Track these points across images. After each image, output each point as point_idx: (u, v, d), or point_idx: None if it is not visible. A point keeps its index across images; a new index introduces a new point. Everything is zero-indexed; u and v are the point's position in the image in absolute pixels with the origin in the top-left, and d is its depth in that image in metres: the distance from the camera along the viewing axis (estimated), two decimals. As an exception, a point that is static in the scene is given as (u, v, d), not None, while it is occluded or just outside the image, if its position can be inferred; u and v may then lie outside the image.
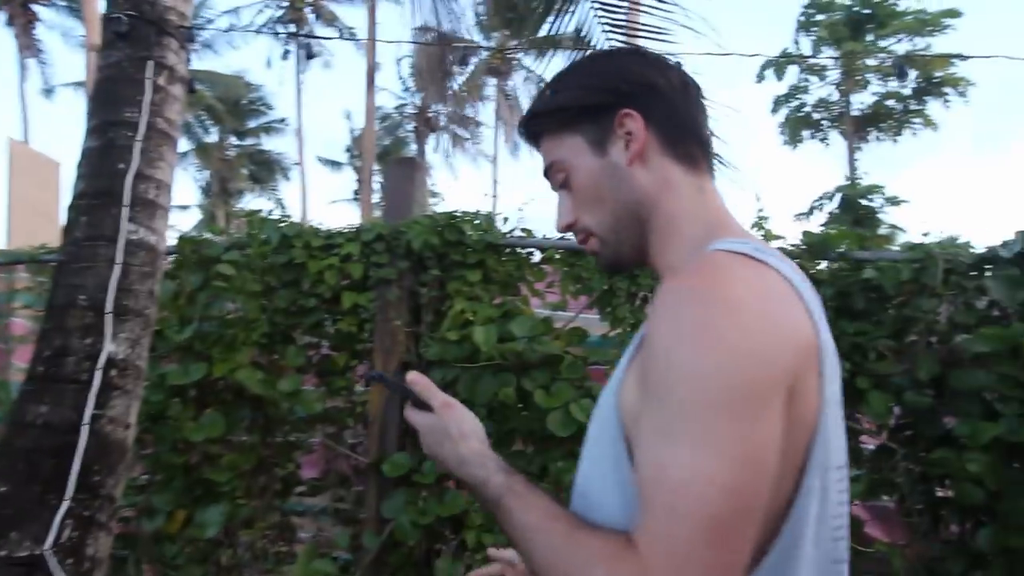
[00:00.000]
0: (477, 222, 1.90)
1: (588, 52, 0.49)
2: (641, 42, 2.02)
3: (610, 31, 2.21)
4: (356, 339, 1.96)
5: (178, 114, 1.83)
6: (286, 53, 14.37)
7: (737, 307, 0.43)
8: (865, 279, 1.71)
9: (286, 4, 14.10)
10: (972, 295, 1.68)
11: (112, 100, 1.66)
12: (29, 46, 12.18)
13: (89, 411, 1.40)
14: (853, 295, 1.71)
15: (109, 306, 1.46)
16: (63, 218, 1.72)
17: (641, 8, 2.17)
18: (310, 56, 13.13)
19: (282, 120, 16.66)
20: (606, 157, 0.55)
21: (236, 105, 15.29)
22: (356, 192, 17.43)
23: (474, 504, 1.76)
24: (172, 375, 1.94)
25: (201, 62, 13.92)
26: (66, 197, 1.74)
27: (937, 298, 1.66)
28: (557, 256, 1.90)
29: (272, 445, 1.96)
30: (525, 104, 15.81)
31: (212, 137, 15.87)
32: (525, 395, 1.79)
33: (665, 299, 0.47)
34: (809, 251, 1.75)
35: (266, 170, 17.11)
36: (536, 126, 0.61)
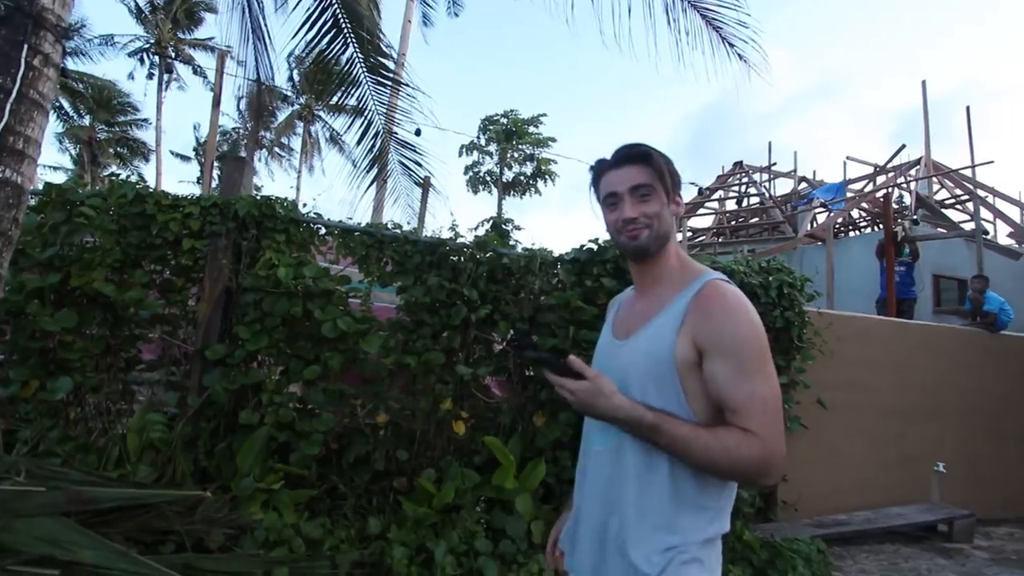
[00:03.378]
0: (285, 203, 2.97)
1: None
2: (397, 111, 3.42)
3: (378, 106, 3.52)
4: (191, 270, 2.89)
5: (50, 91, 2.41)
6: (151, 75, 19.92)
7: (750, 306, 0.91)
8: (503, 263, 3.26)
9: (152, 42, 19.40)
10: (551, 276, 3.37)
11: None
12: None
13: None
14: (496, 270, 3.25)
15: None
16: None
17: (399, 93, 3.50)
18: (168, 71, 17.63)
19: (145, 119, 21.45)
20: (667, 207, 1.02)
21: (108, 103, 19.65)
22: (199, 179, 23.07)
23: (271, 376, 2.86)
24: (30, 281, 2.62)
25: (78, 65, 17.93)
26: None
27: (535, 276, 3.29)
28: (335, 232, 3.08)
29: (119, 337, 2.79)
30: (323, 142, 27.50)
31: (85, 121, 20.03)
32: (309, 313, 2.94)
33: (724, 302, 0.91)
34: (477, 245, 3.23)
35: (130, 152, 21.92)
36: (650, 162, 1.00)
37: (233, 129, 25.07)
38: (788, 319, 3.64)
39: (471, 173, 22.38)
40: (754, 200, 11.75)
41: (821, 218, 10.12)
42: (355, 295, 3.04)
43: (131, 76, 22.27)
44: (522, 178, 21.99)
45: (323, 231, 3.08)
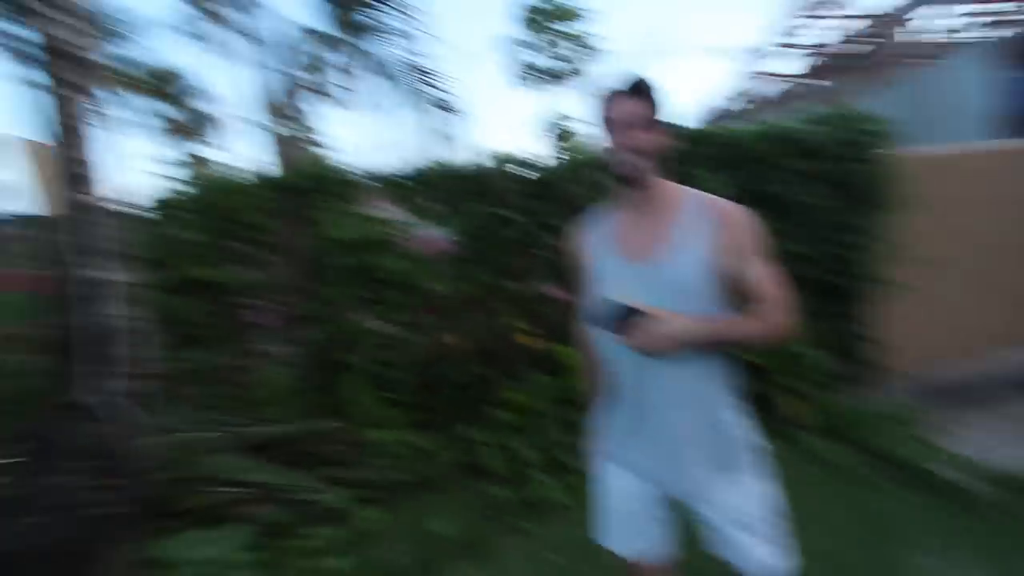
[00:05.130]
0: (335, 168, 3.18)
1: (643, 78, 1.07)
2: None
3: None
4: (262, 243, 3.27)
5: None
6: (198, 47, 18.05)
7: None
8: (542, 179, 3.26)
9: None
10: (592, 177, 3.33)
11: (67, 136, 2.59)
12: None
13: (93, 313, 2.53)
14: (537, 185, 3.26)
15: (90, 246, 2.60)
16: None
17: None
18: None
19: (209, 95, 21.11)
20: (660, 135, 1.13)
21: (164, 84, 19.97)
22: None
23: (359, 322, 3.26)
24: (152, 280, 3.17)
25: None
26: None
27: (576, 184, 3.28)
28: (385, 183, 3.26)
29: (228, 307, 3.32)
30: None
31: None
32: (373, 262, 3.23)
33: (744, 218, 1.11)
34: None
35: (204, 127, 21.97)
36: (648, 96, 1.12)
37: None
38: (859, 171, 3.29)
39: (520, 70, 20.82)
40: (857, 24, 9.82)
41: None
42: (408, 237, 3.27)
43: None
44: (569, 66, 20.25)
45: (373, 184, 3.28)
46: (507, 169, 3.23)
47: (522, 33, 20.07)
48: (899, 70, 6.99)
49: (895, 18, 9.67)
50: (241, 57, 8.86)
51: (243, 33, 5.70)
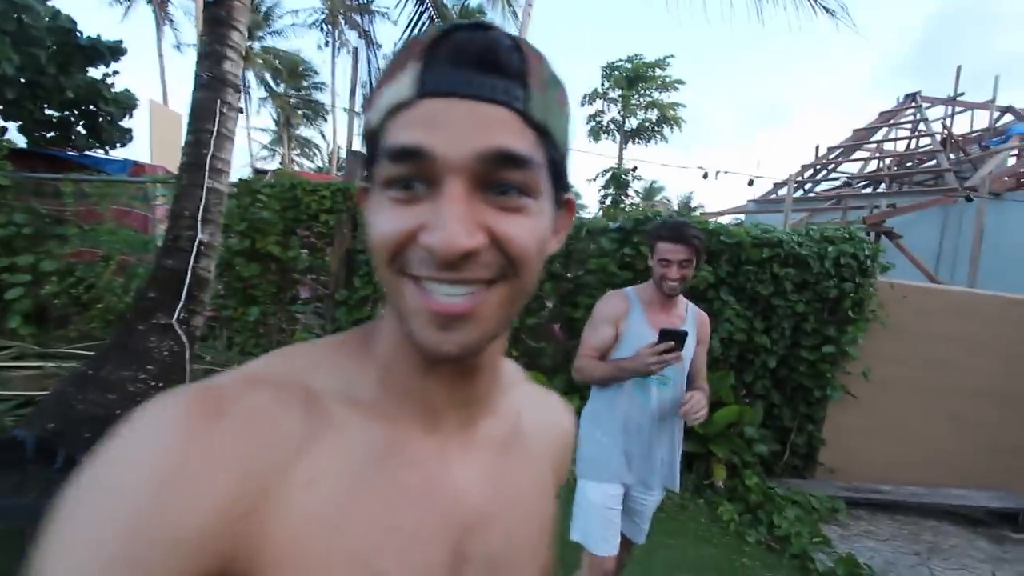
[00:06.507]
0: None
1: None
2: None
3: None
4: (327, 235, 4.02)
5: (234, 126, 3.25)
6: (327, 43, 22.74)
7: None
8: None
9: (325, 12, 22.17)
10: (597, 242, 3.83)
11: (199, 117, 3.08)
12: (163, 16, 18.05)
13: (191, 262, 3.00)
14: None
15: (199, 215, 2.97)
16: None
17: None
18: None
19: (323, 83, 25.40)
20: (695, 269, 1.74)
21: (295, 71, 23.82)
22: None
23: (376, 311, 3.93)
24: (232, 245, 3.98)
25: (276, 42, 22.30)
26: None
27: (583, 241, 3.80)
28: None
29: (286, 280, 4.09)
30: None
31: (280, 89, 24.45)
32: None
33: (706, 317, 1.85)
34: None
35: (313, 112, 26.10)
36: (693, 245, 1.69)
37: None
38: (844, 290, 3.61)
39: (593, 122, 21.64)
40: (925, 142, 9.69)
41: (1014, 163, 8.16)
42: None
43: (320, 47, 25.56)
44: (647, 124, 20.77)
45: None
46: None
47: (602, 87, 20.90)
48: (960, 197, 6.99)
49: (973, 141, 9.53)
50: (358, 57, 9.97)
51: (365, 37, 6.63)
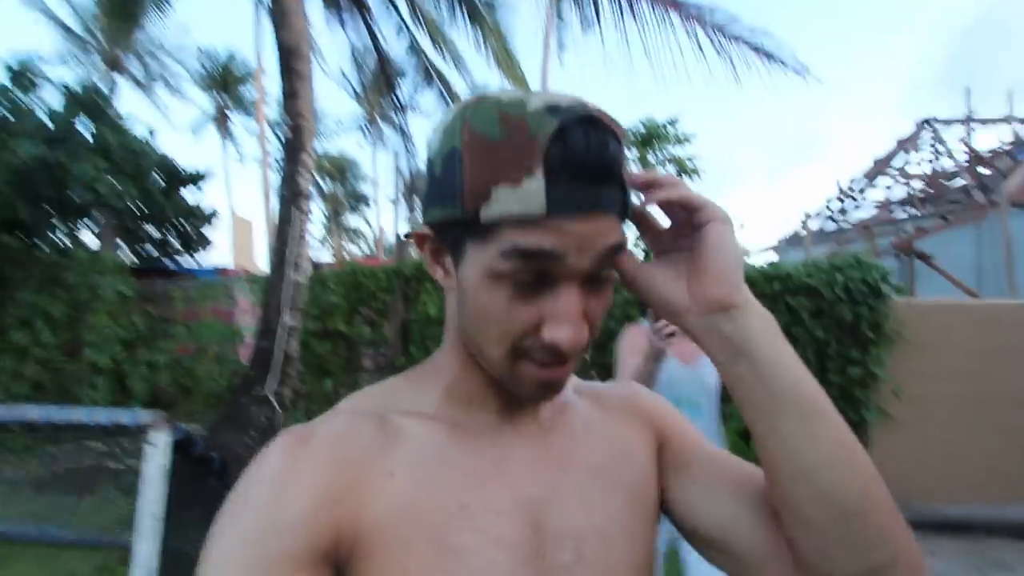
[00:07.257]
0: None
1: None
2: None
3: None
4: (382, 311, 4.64)
5: (306, 225, 4.30)
6: (368, 141, 25.30)
7: None
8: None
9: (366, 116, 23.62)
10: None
11: (282, 224, 3.84)
12: (225, 135, 20.61)
13: (280, 345, 3.70)
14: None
15: (287, 304, 3.79)
16: (268, 258, 4.26)
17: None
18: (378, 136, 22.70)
19: (366, 175, 28.08)
20: None
21: (342, 170, 26.69)
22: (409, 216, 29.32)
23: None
24: (309, 327, 4.65)
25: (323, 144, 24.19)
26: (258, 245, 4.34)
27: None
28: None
29: (352, 354, 4.69)
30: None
31: (328, 186, 27.21)
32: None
33: None
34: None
35: (357, 202, 28.58)
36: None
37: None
38: (859, 314, 3.84)
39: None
40: (947, 163, 9.74)
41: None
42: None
43: (360, 145, 28.21)
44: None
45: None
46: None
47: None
48: (992, 212, 7.00)
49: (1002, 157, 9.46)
50: (397, 152, 11.22)
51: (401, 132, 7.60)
